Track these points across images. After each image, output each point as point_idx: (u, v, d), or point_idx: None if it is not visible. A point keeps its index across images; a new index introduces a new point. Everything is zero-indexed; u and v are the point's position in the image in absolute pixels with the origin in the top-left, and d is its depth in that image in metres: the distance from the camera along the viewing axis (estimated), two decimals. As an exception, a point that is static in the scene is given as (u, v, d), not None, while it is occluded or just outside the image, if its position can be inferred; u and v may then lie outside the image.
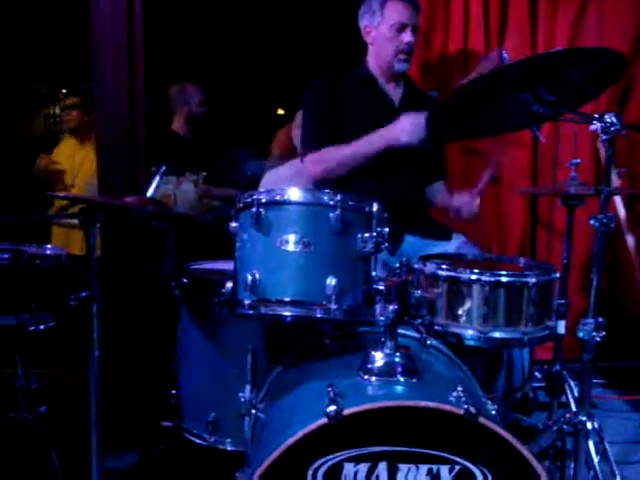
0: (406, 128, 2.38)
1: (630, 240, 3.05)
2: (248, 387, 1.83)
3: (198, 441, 2.02)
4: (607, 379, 3.26)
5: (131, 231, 2.68)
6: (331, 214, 1.50)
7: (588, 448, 1.92)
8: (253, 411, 1.71)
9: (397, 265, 1.69)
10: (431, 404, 1.30)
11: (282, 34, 5.62)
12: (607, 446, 1.96)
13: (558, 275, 1.91)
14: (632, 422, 2.83)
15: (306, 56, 5.64)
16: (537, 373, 2.47)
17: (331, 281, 1.48)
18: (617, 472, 1.97)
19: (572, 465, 1.96)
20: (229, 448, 1.97)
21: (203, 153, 3.69)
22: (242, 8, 5.23)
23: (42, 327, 2.19)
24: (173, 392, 2.15)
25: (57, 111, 8.58)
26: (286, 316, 1.51)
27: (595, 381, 3.24)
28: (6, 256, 2.03)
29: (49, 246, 2.34)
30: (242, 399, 1.79)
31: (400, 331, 1.69)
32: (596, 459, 1.95)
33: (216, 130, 4.23)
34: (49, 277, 2.14)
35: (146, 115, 2.89)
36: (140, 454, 2.34)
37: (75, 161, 3.75)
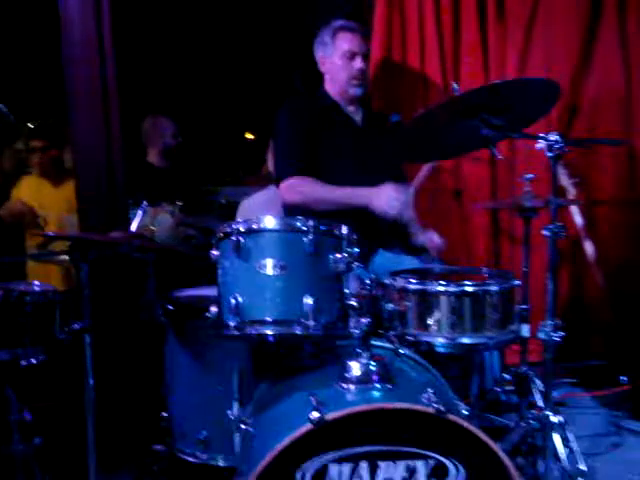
0: (384, 201, 2.45)
1: (588, 247, 3.23)
2: (236, 404, 1.97)
3: (191, 459, 2.12)
4: (576, 378, 3.43)
5: (113, 264, 2.78)
6: (304, 239, 1.64)
7: (554, 441, 2.07)
8: (243, 426, 1.82)
9: (368, 281, 1.83)
10: (404, 405, 1.44)
11: (245, 61, 5.78)
12: (571, 437, 2.10)
13: (518, 282, 2.06)
14: (600, 417, 2.99)
15: (271, 81, 5.81)
16: (506, 375, 2.61)
17: (308, 300, 1.61)
18: (582, 462, 2.12)
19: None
20: (221, 464, 2.08)
21: (178, 183, 3.80)
22: (204, 37, 5.37)
23: (33, 361, 2.29)
24: (164, 414, 2.26)
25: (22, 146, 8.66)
26: (269, 335, 1.64)
27: (565, 381, 3.41)
28: (-2, 293, 2.13)
29: (37, 282, 2.44)
30: (231, 416, 1.92)
31: (375, 343, 1.83)
32: (563, 451, 2.10)
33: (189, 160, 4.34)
34: (39, 312, 2.24)
35: (123, 152, 2.99)
36: (134, 478, 2.42)
37: (44, 200, 3.78)
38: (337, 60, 2.74)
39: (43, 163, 3.80)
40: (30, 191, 3.82)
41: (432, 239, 2.67)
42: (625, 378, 3.09)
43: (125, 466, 2.45)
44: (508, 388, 2.78)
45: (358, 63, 2.72)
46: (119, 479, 2.41)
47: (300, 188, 2.60)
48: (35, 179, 3.89)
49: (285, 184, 2.63)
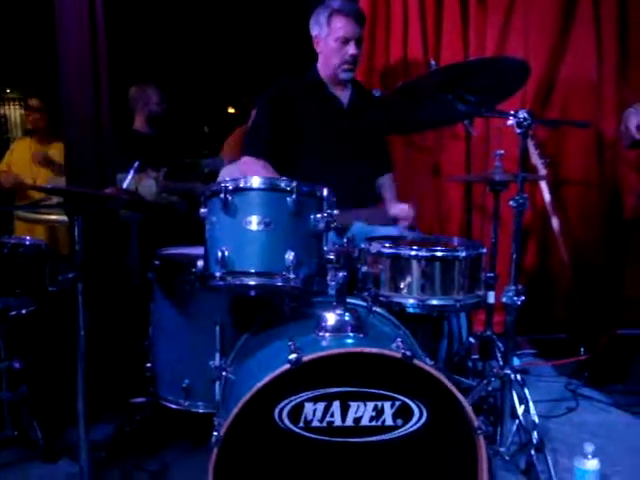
0: None
1: (555, 222, 3.39)
2: (217, 355, 2.10)
3: (173, 406, 2.27)
4: (539, 349, 3.62)
5: (101, 222, 2.87)
6: (288, 198, 1.76)
7: (512, 398, 2.23)
8: (224, 373, 1.96)
9: (344, 241, 1.95)
10: (374, 350, 1.58)
11: (232, 37, 5.85)
12: (528, 395, 2.26)
13: (485, 250, 2.21)
14: (558, 384, 3.17)
15: (255, 58, 5.88)
16: (472, 339, 2.77)
17: (289, 255, 1.74)
18: (537, 419, 2.28)
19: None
20: (201, 410, 2.23)
21: (163, 150, 3.88)
22: (192, 9, 5.43)
23: (24, 311, 2.40)
24: (148, 365, 2.38)
25: (3, 112, 8.70)
26: (251, 285, 1.77)
27: (528, 351, 3.61)
28: (-9, 246, 2.23)
29: (27, 237, 2.54)
30: (212, 366, 2.06)
31: (350, 301, 1.96)
32: (520, 408, 2.26)
33: (176, 127, 4.42)
34: (31, 264, 2.35)
35: (110, 113, 3.06)
36: (116, 426, 2.54)
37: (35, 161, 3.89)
38: (331, 43, 2.77)
39: (35, 122, 3.90)
40: (22, 153, 3.91)
41: (403, 210, 2.78)
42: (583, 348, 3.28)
43: (108, 415, 2.57)
44: (475, 356, 2.94)
45: (351, 49, 2.75)
46: (104, 427, 2.52)
47: (256, 167, 2.72)
48: (27, 141, 3.98)
49: (244, 159, 2.81)
